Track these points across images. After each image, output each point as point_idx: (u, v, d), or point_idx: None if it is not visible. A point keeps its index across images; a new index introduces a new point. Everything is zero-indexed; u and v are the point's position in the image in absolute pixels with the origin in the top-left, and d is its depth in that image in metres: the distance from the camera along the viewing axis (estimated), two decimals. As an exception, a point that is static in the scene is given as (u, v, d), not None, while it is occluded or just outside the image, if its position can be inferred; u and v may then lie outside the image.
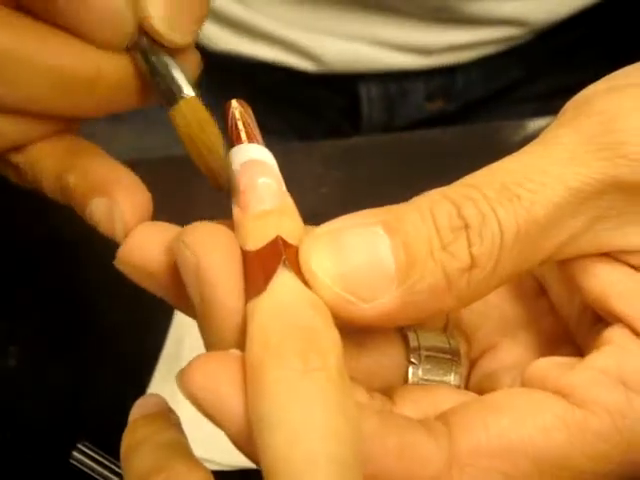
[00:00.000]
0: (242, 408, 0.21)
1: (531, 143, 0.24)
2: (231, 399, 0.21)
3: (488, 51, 0.62)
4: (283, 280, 0.22)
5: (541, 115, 0.49)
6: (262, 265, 0.22)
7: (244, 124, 0.24)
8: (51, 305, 0.44)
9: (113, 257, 0.44)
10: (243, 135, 0.24)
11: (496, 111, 0.67)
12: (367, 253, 0.22)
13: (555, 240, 0.23)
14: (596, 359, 0.24)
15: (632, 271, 0.24)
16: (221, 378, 0.21)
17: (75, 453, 0.33)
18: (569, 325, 0.27)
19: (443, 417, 0.24)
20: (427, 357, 0.27)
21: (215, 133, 0.25)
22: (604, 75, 0.25)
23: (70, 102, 0.26)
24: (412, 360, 0.27)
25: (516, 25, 0.61)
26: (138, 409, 0.25)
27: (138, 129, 0.66)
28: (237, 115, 0.25)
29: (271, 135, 0.77)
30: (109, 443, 0.35)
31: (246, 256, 0.23)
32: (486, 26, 0.60)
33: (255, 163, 0.24)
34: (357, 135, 0.66)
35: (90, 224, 0.28)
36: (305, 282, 0.22)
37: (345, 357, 0.25)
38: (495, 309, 0.28)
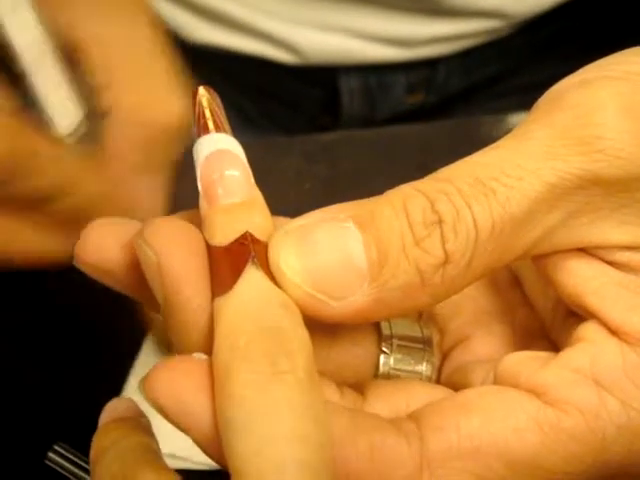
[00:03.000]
0: (209, 414, 0.20)
1: (504, 138, 0.24)
2: (197, 405, 0.20)
3: (469, 43, 0.62)
4: (251, 278, 0.21)
5: (522, 108, 0.49)
6: (230, 262, 0.21)
7: (211, 112, 0.24)
8: (27, 305, 0.44)
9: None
10: (210, 124, 0.23)
11: (477, 104, 0.67)
12: (337, 250, 0.22)
13: (531, 235, 0.23)
14: (570, 356, 0.24)
15: (607, 267, 0.24)
16: (186, 384, 0.20)
17: (51, 454, 0.32)
18: (543, 318, 0.27)
19: (414, 416, 0.23)
20: (399, 346, 0.26)
21: None
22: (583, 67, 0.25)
23: None
24: (384, 349, 0.26)
25: (496, 17, 0.61)
26: (109, 413, 0.24)
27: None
28: (204, 103, 0.24)
29: (251, 127, 0.77)
30: (85, 444, 0.35)
31: (213, 251, 0.22)
32: (466, 18, 0.60)
33: (223, 154, 0.23)
34: (338, 128, 0.66)
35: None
36: (274, 280, 0.22)
37: (317, 346, 0.24)
38: (469, 300, 0.28)
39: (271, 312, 0.21)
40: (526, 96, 0.72)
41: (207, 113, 0.24)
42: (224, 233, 0.22)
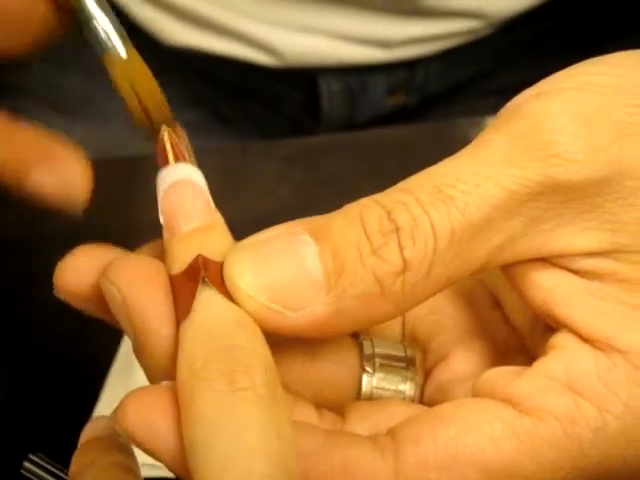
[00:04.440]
0: (175, 437, 0.20)
1: (464, 148, 0.24)
2: (163, 430, 0.21)
3: (449, 44, 0.62)
4: (205, 299, 0.22)
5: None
6: (187, 287, 0.22)
7: (172, 146, 0.25)
8: (1, 313, 0.43)
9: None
10: (170, 157, 0.25)
11: (457, 105, 0.66)
12: (292, 261, 0.22)
13: (492, 242, 0.23)
14: (543, 365, 0.24)
15: (573, 276, 0.24)
16: (152, 409, 0.21)
17: (26, 463, 0.32)
18: (523, 336, 0.27)
19: (391, 431, 0.23)
20: (382, 365, 0.26)
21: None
22: (565, 68, 0.25)
23: None
24: (366, 368, 0.26)
25: (474, 17, 0.61)
26: (88, 432, 0.25)
27: (93, 125, 0.64)
28: (165, 137, 0.25)
29: (231, 129, 0.77)
30: (61, 453, 0.34)
31: (172, 280, 0.22)
32: (445, 18, 0.60)
33: (181, 184, 0.24)
34: (318, 130, 0.66)
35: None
36: (231, 298, 0.22)
37: (297, 367, 0.24)
38: (449, 319, 0.28)
39: (226, 331, 0.21)
40: (507, 96, 0.72)
41: (167, 147, 0.25)
42: (180, 261, 0.23)
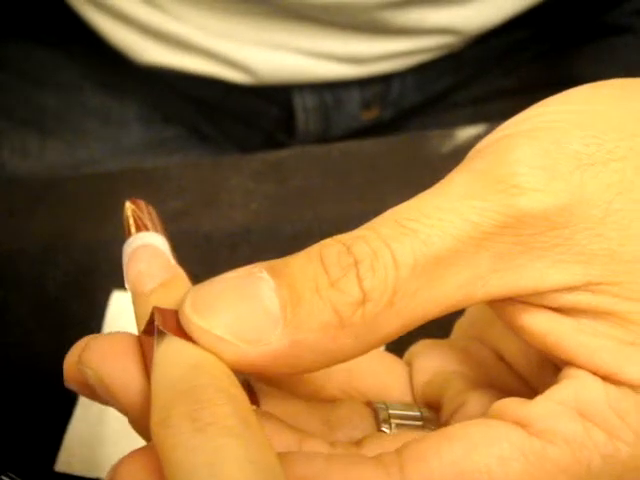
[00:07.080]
0: None
1: (428, 189, 0.24)
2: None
3: (422, 58, 0.62)
4: (163, 349, 0.22)
5: (476, 120, 0.49)
6: (149, 342, 0.22)
7: (134, 219, 0.26)
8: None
9: (39, 276, 0.43)
10: (132, 229, 0.26)
11: (432, 117, 0.67)
12: (249, 296, 0.22)
13: (460, 277, 0.23)
14: (554, 392, 0.23)
15: (559, 316, 0.24)
16: (142, 471, 0.21)
17: (-2, 485, 0.32)
18: (532, 384, 0.27)
19: (397, 450, 0.23)
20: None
21: None
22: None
23: None
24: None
25: (449, 34, 0.61)
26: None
27: (68, 142, 0.64)
28: (128, 213, 0.26)
29: (206, 144, 0.76)
30: (32, 473, 0.34)
31: (140, 341, 0.23)
32: (418, 35, 0.60)
33: (141, 249, 0.25)
34: (294, 145, 0.65)
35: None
36: (191, 340, 0.22)
37: (317, 434, 0.24)
38: (458, 376, 0.27)
39: (185, 375, 0.21)
40: (481, 107, 0.72)
41: (130, 221, 0.26)
42: (143, 318, 0.23)
